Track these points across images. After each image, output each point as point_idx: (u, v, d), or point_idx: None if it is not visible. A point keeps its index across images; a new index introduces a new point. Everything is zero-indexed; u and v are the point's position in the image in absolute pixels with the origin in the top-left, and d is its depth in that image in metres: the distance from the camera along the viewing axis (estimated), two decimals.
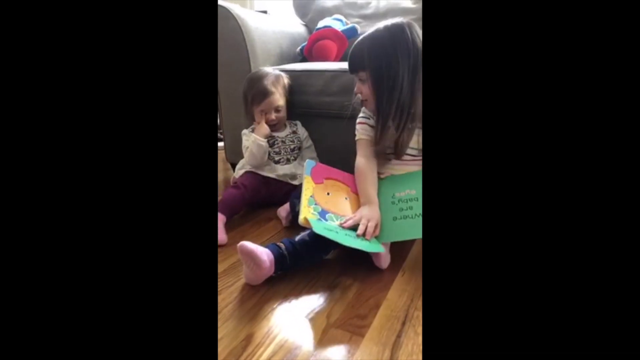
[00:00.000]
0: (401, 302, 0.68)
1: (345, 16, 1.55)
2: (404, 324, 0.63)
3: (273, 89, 1.10)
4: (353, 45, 0.88)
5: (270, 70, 1.16)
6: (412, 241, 0.90)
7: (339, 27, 1.46)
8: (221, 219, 0.95)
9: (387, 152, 0.89)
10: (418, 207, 0.79)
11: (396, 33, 0.82)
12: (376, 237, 0.78)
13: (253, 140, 1.07)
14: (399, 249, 0.85)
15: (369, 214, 0.79)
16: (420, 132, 0.87)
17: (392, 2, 1.55)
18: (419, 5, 1.48)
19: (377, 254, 0.78)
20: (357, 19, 1.56)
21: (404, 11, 1.49)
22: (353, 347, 0.58)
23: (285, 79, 1.16)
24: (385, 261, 0.78)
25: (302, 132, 1.20)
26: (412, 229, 0.77)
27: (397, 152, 0.88)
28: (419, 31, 0.84)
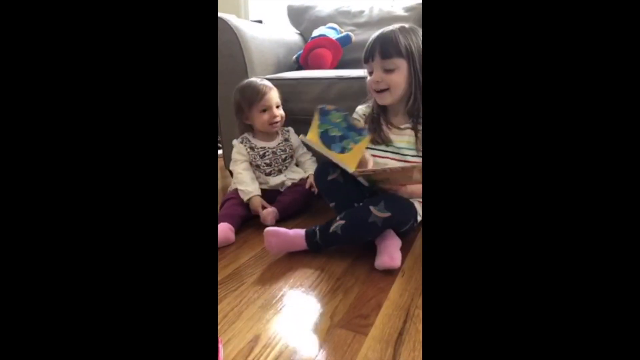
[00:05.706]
0: (402, 302, 0.71)
1: (339, 24, 1.58)
2: (405, 322, 0.65)
3: (268, 89, 1.11)
4: (380, 35, 0.92)
5: (258, 79, 1.16)
6: (411, 243, 0.92)
7: (333, 35, 1.49)
8: (227, 225, 0.96)
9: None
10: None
11: (409, 33, 0.91)
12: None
13: (244, 192, 1.08)
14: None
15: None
16: (413, 133, 0.92)
17: (384, 10, 1.59)
18: (411, 14, 1.52)
19: (381, 257, 0.81)
20: (350, 27, 1.59)
21: (396, 19, 1.53)
22: (357, 345, 0.60)
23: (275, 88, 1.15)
24: (389, 261, 0.80)
25: (295, 139, 1.19)
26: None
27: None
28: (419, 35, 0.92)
